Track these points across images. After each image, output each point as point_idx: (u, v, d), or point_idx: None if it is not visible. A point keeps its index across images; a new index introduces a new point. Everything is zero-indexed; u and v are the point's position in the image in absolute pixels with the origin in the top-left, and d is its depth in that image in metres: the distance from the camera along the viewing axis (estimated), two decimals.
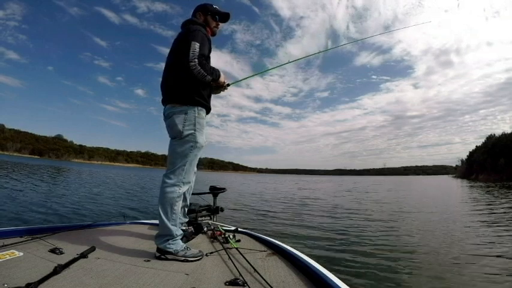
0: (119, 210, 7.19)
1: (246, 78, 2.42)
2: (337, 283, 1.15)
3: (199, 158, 1.78)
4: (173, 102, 1.70)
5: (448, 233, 5.77)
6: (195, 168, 1.81)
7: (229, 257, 1.54)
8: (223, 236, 1.97)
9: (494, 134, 71.18)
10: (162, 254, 1.54)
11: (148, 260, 1.49)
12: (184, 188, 1.68)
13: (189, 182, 1.74)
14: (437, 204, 11.76)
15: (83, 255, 1.40)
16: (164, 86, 1.79)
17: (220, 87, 1.92)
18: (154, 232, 1.79)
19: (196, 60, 1.58)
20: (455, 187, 28.74)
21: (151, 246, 1.67)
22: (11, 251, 1.40)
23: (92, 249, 1.52)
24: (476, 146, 77.69)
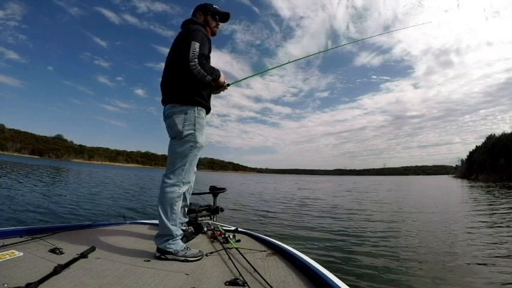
0: (118, 211, 7.18)
1: (246, 78, 2.42)
2: (337, 283, 1.15)
3: (199, 158, 1.78)
4: (173, 102, 1.70)
5: (449, 233, 5.77)
6: (195, 168, 1.81)
7: (229, 257, 1.54)
8: (223, 236, 1.97)
9: (494, 134, 71.25)
10: (162, 254, 1.54)
11: (148, 260, 1.49)
12: (184, 188, 1.68)
13: (189, 182, 1.74)
14: (437, 204, 11.75)
15: (83, 255, 1.40)
16: (164, 86, 1.79)
17: (220, 87, 1.92)
18: (154, 232, 1.79)
19: (196, 60, 1.58)
20: (455, 187, 28.73)
21: (151, 246, 1.67)
22: (11, 251, 1.40)
23: (92, 249, 1.52)
24: (476, 146, 77.76)
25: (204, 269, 1.40)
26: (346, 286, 1.15)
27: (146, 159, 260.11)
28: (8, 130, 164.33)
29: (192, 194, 2.02)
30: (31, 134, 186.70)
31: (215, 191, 2.63)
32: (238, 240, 1.92)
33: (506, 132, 65.23)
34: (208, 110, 1.82)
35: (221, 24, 1.97)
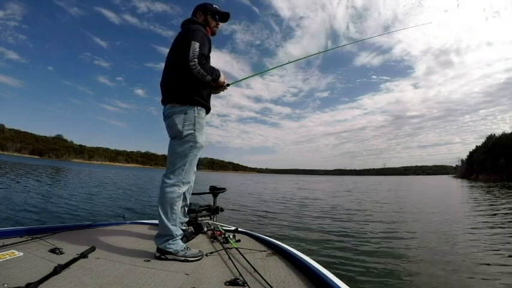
0: (118, 211, 7.18)
1: (246, 78, 2.42)
2: (337, 283, 1.15)
3: (199, 158, 1.78)
4: (173, 102, 1.70)
5: (450, 234, 5.75)
6: (195, 168, 1.81)
7: (229, 257, 1.54)
8: (223, 236, 1.97)
9: (494, 134, 71.28)
10: (162, 254, 1.54)
11: (148, 260, 1.49)
12: (184, 188, 1.68)
13: (189, 182, 1.74)
14: (438, 204, 11.75)
15: (83, 255, 1.40)
16: (164, 86, 1.79)
17: (220, 87, 1.92)
18: (154, 232, 1.79)
19: (196, 59, 1.58)
20: (455, 187, 28.73)
21: (151, 246, 1.66)
22: (11, 251, 1.40)
23: (92, 249, 1.52)
24: (476, 146, 77.79)
25: (204, 269, 1.40)
26: (346, 286, 1.15)
27: (146, 159, 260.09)
28: (8, 130, 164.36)
29: (192, 194, 2.02)
30: (31, 134, 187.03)
31: (215, 191, 2.63)
32: (238, 240, 1.92)
33: (506, 132, 65.35)
34: (208, 110, 1.82)
35: (221, 24, 1.97)
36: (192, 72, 1.59)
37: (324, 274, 1.24)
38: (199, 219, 2.34)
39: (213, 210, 2.54)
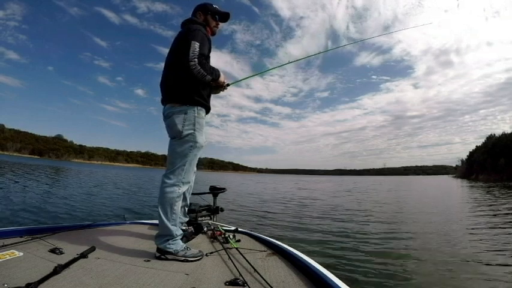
0: (118, 211, 7.18)
1: (246, 78, 2.42)
2: (337, 283, 1.15)
3: (199, 158, 1.78)
4: (173, 101, 1.70)
5: (450, 234, 5.75)
6: (195, 168, 1.81)
7: (229, 257, 1.54)
8: (223, 236, 1.97)
9: (494, 134, 71.29)
10: (162, 254, 1.54)
11: (148, 260, 1.49)
12: (183, 188, 1.68)
13: (189, 182, 1.73)
14: (438, 204, 11.75)
15: (83, 255, 1.40)
16: (164, 86, 1.79)
17: (220, 87, 1.91)
18: (154, 232, 1.79)
19: (196, 59, 1.57)
20: (455, 187, 28.73)
21: (151, 246, 1.66)
22: (11, 251, 1.40)
23: (92, 249, 1.52)
24: (476, 146, 77.80)
25: (204, 269, 1.40)
26: (346, 286, 1.15)
27: (146, 159, 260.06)
28: (8, 130, 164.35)
29: (192, 194, 2.02)
30: (31, 134, 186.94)
31: (215, 191, 2.63)
32: (238, 240, 1.92)
33: (506, 132, 65.37)
34: (208, 110, 1.82)
35: (221, 24, 1.97)
36: (192, 72, 1.59)
37: (324, 274, 1.24)
38: (199, 219, 2.34)
39: (213, 210, 2.54)
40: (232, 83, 2.06)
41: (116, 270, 1.29)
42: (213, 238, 2.01)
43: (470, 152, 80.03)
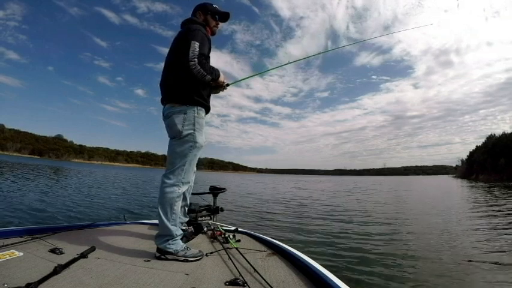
0: (118, 211, 7.18)
1: (246, 78, 2.42)
2: (337, 283, 1.15)
3: (199, 158, 1.78)
4: (172, 101, 1.70)
5: (451, 235, 5.73)
6: (195, 168, 1.81)
7: (229, 257, 1.54)
8: (223, 236, 1.97)
9: (494, 134, 71.27)
10: (162, 254, 1.54)
11: (148, 260, 1.49)
12: (183, 188, 1.68)
13: (189, 182, 1.73)
14: (438, 204, 11.73)
15: (83, 255, 1.40)
16: (163, 86, 1.79)
17: (220, 87, 1.91)
18: (154, 232, 1.79)
19: (196, 59, 1.57)
20: (455, 187, 28.73)
21: (151, 246, 1.66)
22: (11, 251, 1.40)
23: (92, 249, 1.52)
24: (477, 146, 77.79)
25: (204, 269, 1.40)
26: (346, 286, 1.15)
27: (146, 159, 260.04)
28: (8, 130, 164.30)
29: (192, 194, 2.02)
30: (31, 134, 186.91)
31: (215, 191, 2.63)
32: (238, 240, 1.92)
33: (506, 132, 65.35)
34: (207, 110, 1.82)
35: (221, 24, 1.97)
36: (192, 71, 1.59)
37: (324, 274, 1.24)
38: (199, 219, 2.34)
39: (213, 210, 2.54)
40: (232, 83, 2.06)
41: (116, 270, 1.29)
42: (213, 238, 2.01)
43: (470, 152, 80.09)
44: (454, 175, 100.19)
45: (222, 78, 1.82)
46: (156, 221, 1.83)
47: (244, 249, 1.71)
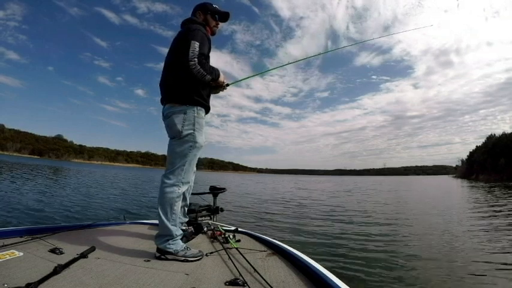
0: (118, 211, 7.18)
1: (246, 78, 2.42)
2: (337, 283, 1.15)
3: (199, 158, 1.78)
4: (172, 101, 1.70)
5: (452, 235, 5.72)
6: (195, 168, 1.81)
7: (229, 257, 1.53)
8: (223, 236, 1.97)
9: (494, 134, 71.28)
10: (162, 254, 1.54)
11: (148, 260, 1.49)
12: (183, 188, 1.68)
13: (189, 182, 1.73)
14: (439, 204, 11.72)
15: (83, 255, 1.40)
16: (163, 85, 1.78)
17: (220, 87, 1.91)
18: (154, 232, 1.79)
19: (195, 59, 1.57)
20: (455, 187, 28.72)
21: (151, 246, 1.66)
22: (11, 251, 1.40)
23: (92, 249, 1.52)
24: (477, 146, 77.80)
25: (204, 269, 1.40)
26: (346, 286, 1.15)
27: (146, 159, 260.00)
28: (8, 130, 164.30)
29: (192, 194, 2.02)
30: (31, 134, 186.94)
31: (215, 191, 2.63)
32: (238, 240, 1.92)
33: (506, 132, 65.35)
34: (207, 110, 1.81)
35: (221, 24, 1.97)
36: (192, 71, 1.59)
37: (324, 274, 1.24)
38: (199, 219, 2.34)
39: (213, 210, 2.54)
40: (232, 83, 2.06)
41: (116, 270, 1.29)
42: (213, 238, 2.01)
43: (470, 152, 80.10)
44: (454, 175, 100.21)
45: (222, 78, 1.82)
46: (156, 221, 1.82)
47: (244, 249, 1.71)
